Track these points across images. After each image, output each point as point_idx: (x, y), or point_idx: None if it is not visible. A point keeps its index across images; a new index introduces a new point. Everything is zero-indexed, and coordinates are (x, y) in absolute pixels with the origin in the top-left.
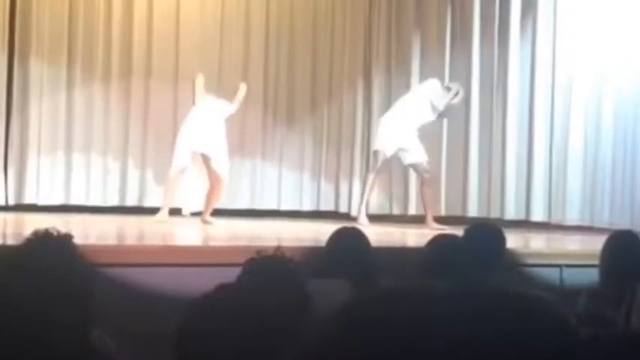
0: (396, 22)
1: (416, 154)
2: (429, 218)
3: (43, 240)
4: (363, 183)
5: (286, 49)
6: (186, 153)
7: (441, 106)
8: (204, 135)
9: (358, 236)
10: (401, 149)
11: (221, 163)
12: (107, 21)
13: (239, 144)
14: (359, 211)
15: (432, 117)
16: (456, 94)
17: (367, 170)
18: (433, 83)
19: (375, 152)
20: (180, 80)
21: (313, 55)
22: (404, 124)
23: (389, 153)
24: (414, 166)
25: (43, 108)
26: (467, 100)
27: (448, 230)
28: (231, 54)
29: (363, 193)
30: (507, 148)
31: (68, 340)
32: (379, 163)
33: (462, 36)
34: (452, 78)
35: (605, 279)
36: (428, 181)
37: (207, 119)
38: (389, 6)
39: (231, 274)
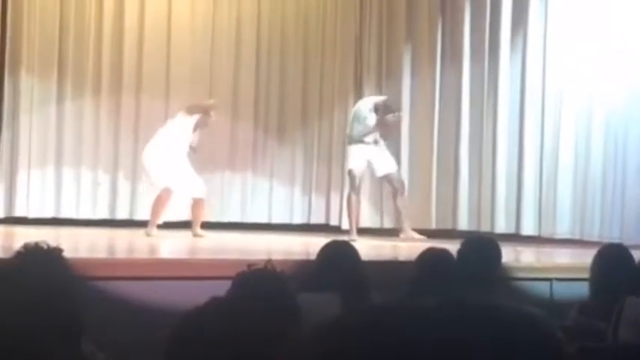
0: (387, 37)
1: (386, 165)
2: (407, 227)
3: (34, 253)
4: (348, 204)
5: (277, 64)
6: (163, 175)
7: (365, 129)
8: (171, 175)
9: (348, 249)
10: (370, 162)
11: (191, 188)
12: (98, 35)
13: (230, 158)
14: (351, 232)
15: (372, 133)
16: (393, 114)
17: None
18: (361, 104)
19: (350, 171)
20: (170, 94)
21: (304, 69)
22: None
23: (361, 169)
24: (387, 177)
25: (34, 121)
26: (457, 114)
27: (427, 241)
28: (222, 68)
29: (350, 215)
30: (498, 161)
31: (58, 352)
32: (357, 181)
33: (452, 51)
34: (442, 92)
35: (595, 292)
36: (401, 190)
37: (176, 152)
38: (379, 21)
39: (222, 287)
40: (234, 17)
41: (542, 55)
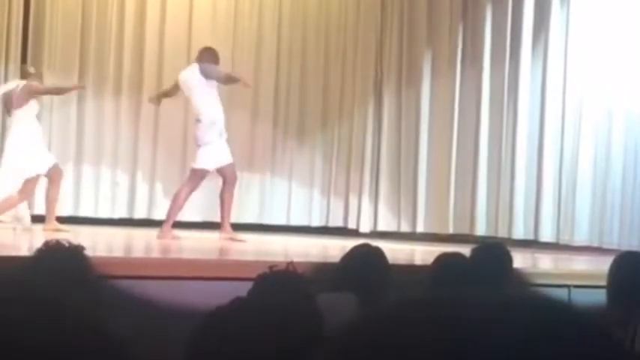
0: (408, 41)
1: (222, 156)
2: (227, 225)
3: (55, 251)
4: (176, 198)
5: (298, 66)
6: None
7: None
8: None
9: (377, 253)
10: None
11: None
12: (119, 35)
13: (248, 159)
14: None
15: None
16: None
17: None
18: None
19: (200, 170)
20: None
21: (324, 72)
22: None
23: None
24: (220, 170)
25: (54, 121)
26: (477, 119)
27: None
28: (243, 69)
29: (172, 209)
30: (516, 167)
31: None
32: (200, 180)
33: (472, 56)
34: (462, 97)
35: (613, 300)
36: (230, 184)
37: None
38: (400, 25)
39: (241, 288)
40: (256, 19)
41: (563, 62)
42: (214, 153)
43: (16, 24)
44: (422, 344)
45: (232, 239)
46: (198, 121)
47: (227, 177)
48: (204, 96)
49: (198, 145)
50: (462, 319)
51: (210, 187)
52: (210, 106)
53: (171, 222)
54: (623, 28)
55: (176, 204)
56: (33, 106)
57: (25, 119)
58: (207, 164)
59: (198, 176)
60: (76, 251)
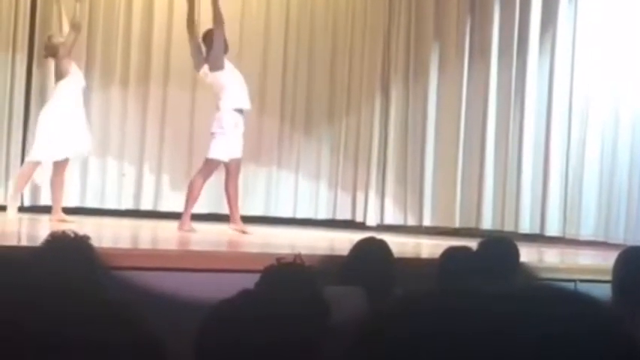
0: (415, 34)
1: (234, 149)
2: (236, 216)
3: (61, 241)
4: (192, 189)
5: (305, 58)
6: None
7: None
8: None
9: (382, 247)
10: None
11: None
12: (126, 26)
13: (255, 151)
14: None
15: None
16: None
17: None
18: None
19: (214, 160)
20: (197, 87)
21: (332, 65)
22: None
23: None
24: (226, 163)
25: None
26: (484, 113)
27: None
28: (250, 61)
29: (188, 200)
30: (523, 161)
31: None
32: (214, 170)
33: (480, 50)
34: (469, 91)
35: (617, 296)
36: (234, 177)
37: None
38: (408, 18)
39: (247, 280)
40: (263, 11)
41: (570, 56)
42: (228, 144)
43: (23, 14)
44: (432, 338)
45: (240, 231)
46: (217, 108)
47: (231, 170)
48: (221, 83)
49: (212, 134)
50: (471, 312)
51: (215, 179)
52: (229, 95)
53: (189, 213)
54: (630, 24)
55: (192, 194)
56: (73, 79)
57: (62, 94)
58: (221, 155)
59: (211, 166)
60: (82, 242)
